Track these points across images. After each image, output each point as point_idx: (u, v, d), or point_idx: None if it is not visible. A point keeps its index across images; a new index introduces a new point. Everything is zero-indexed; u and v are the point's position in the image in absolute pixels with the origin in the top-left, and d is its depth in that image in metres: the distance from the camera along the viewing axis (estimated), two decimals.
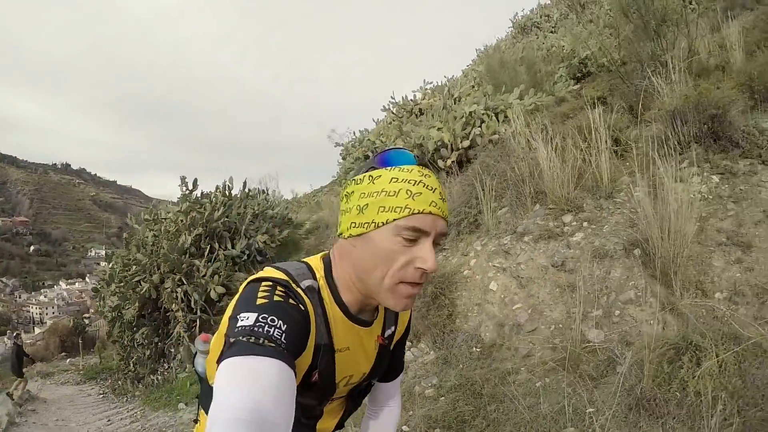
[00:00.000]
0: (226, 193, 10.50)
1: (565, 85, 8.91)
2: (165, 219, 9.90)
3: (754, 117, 5.06)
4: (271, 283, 0.97)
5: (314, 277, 1.07)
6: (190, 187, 9.88)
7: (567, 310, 3.76)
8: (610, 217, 4.40)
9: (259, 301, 0.91)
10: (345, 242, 1.04)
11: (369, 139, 12.73)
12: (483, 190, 5.30)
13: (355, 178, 1.02)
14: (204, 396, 1.23)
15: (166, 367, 9.55)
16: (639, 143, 5.10)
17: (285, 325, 0.87)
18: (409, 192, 0.95)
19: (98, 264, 11.91)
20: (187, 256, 8.99)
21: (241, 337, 0.82)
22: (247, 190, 11.08)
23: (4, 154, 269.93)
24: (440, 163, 7.72)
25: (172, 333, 9.13)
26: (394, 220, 0.94)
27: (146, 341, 9.65)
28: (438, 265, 1.07)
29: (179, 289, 8.72)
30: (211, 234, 9.34)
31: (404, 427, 3.45)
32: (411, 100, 12.10)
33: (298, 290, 1.00)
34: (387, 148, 1.06)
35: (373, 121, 14.17)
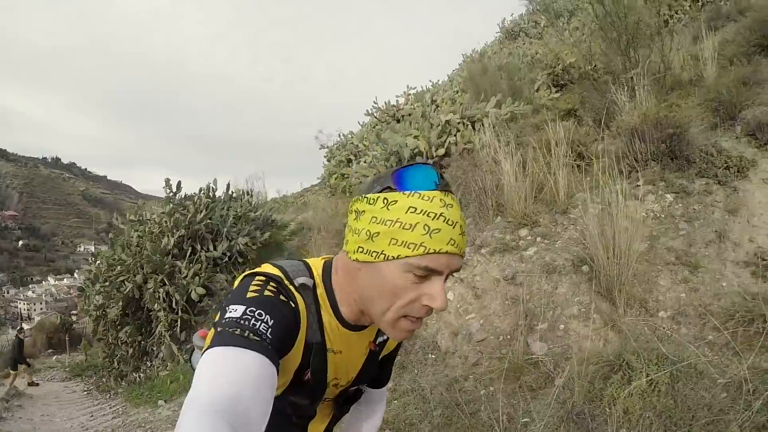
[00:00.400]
0: (210, 194, 10.67)
1: (545, 93, 9.03)
2: (149, 220, 10.03)
3: (716, 135, 5.09)
4: (264, 278, 0.97)
5: (311, 275, 1.06)
6: (174, 189, 10.06)
7: (515, 322, 3.85)
8: (564, 232, 4.50)
9: (249, 295, 0.91)
10: (351, 262, 0.99)
11: (352, 143, 12.90)
12: None
13: (368, 196, 0.95)
14: None
15: (149, 365, 9.66)
16: (600, 159, 5.11)
17: (272, 320, 0.87)
18: (426, 228, 0.88)
19: (87, 260, 12.18)
20: (170, 257, 9.12)
21: (226, 328, 0.83)
22: (230, 192, 11.22)
23: None
24: None
25: (154, 332, 9.26)
26: (407, 256, 0.89)
27: (130, 340, 9.75)
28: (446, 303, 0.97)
29: (161, 290, 8.85)
30: (194, 236, 9.47)
31: None
32: (393, 105, 12.28)
33: (290, 287, 1.00)
34: (406, 163, 0.99)
35: (359, 123, 14.34)
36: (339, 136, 14.47)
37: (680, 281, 3.82)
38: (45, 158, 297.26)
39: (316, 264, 1.10)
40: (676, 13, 10.81)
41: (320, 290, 1.05)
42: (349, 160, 12.08)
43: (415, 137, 8.01)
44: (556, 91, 9.00)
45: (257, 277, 0.97)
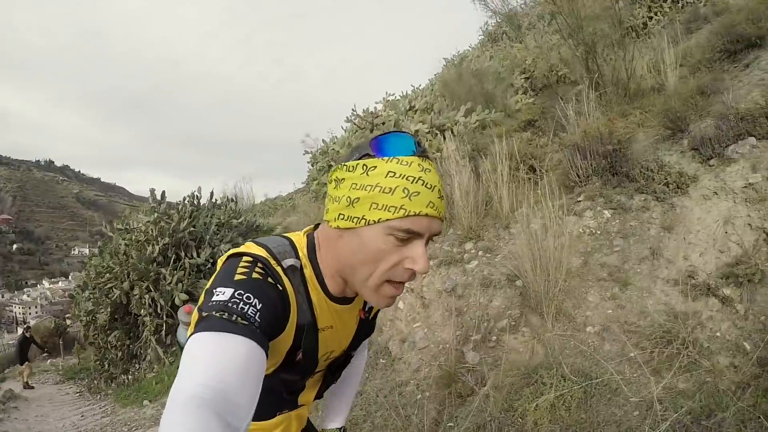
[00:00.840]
0: (195, 202, 10.99)
1: (521, 98, 9.10)
2: (135, 228, 10.30)
3: (663, 149, 5.00)
4: (251, 259, 0.95)
5: (297, 256, 1.05)
6: (159, 199, 10.43)
7: (453, 332, 3.97)
8: (505, 247, 4.54)
9: (237, 277, 0.89)
10: (331, 230, 1.00)
11: (333, 149, 13.18)
12: None
13: (347, 164, 0.96)
14: None
15: (137, 367, 9.96)
16: (547, 173, 5.27)
17: (261, 304, 0.86)
18: (406, 191, 0.90)
19: (83, 263, 12.65)
20: (155, 264, 9.42)
21: (214, 312, 0.81)
22: (214, 200, 11.55)
23: None
24: None
25: (141, 336, 9.58)
26: (387, 220, 0.90)
27: (119, 343, 10.09)
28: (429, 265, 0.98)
29: (147, 296, 9.16)
30: (178, 243, 9.77)
31: None
32: (371, 112, 12.55)
33: (278, 269, 0.98)
34: (384, 131, 1.01)
35: (342, 129, 14.58)
36: (322, 141, 14.74)
37: (609, 298, 3.85)
38: (38, 161, 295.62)
39: (300, 241, 1.09)
40: (656, 15, 10.77)
41: (307, 270, 1.05)
42: (330, 166, 12.35)
43: None
44: (534, 96, 9.13)
45: (244, 258, 0.95)
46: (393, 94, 13.43)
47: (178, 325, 1.30)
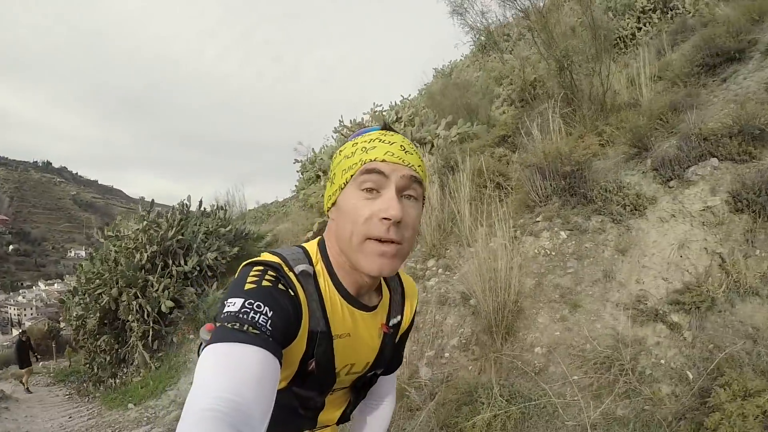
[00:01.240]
0: (184, 210, 11.13)
1: (505, 110, 9.19)
2: (126, 236, 10.47)
3: (626, 169, 4.97)
4: (262, 268, 0.95)
5: (310, 262, 1.05)
6: (149, 207, 10.72)
7: (409, 347, 3.97)
8: (464, 265, 4.42)
9: (247, 287, 0.89)
10: (330, 219, 1.06)
11: (321, 158, 13.42)
12: None
13: (332, 158, 1.05)
14: None
15: (125, 371, 10.11)
16: (513, 191, 5.33)
17: (271, 312, 0.86)
18: (363, 149, 0.97)
19: (79, 265, 12.86)
20: (143, 272, 9.57)
21: (225, 323, 0.82)
22: (202, 208, 11.72)
23: None
24: None
25: (129, 341, 9.74)
26: (351, 176, 0.97)
27: (107, 348, 10.22)
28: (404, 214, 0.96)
29: (134, 302, 9.30)
30: (166, 251, 9.91)
31: None
32: (358, 123, 12.80)
33: (290, 275, 0.98)
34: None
35: (332, 137, 14.80)
36: (312, 150, 14.99)
37: (558, 320, 3.84)
38: (36, 162, 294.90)
39: (312, 247, 1.10)
40: (645, 26, 10.69)
41: (321, 272, 1.06)
42: (318, 176, 12.58)
43: None
44: (517, 108, 9.00)
45: (255, 267, 0.96)
46: (380, 105, 13.49)
47: (201, 344, 1.25)
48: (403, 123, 10.16)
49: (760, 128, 4.34)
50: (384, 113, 12.90)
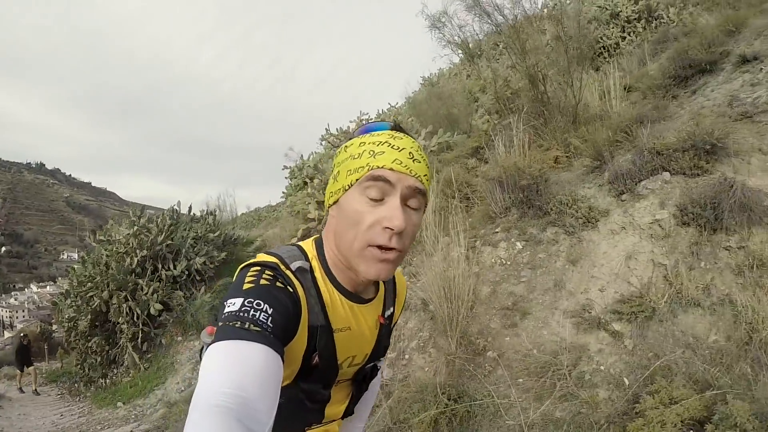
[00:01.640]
0: (174, 216, 11.40)
1: (488, 119, 9.16)
2: (117, 240, 10.72)
3: (587, 181, 5.09)
4: (259, 268, 0.96)
5: (306, 259, 1.06)
6: (139, 213, 11.05)
7: None
8: (428, 272, 4.46)
9: (246, 287, 0.90)
10: (329, 217, 1.06)
11: (309, 166, 13.69)
12: None
13: (336, 152, 1.03)
14: None
15: (115, 372, 10.34)
16: (478, 202, 5.48)
17: (271, 309, 0.87)
18: (371, 153, 0.94)
19: (72, 268, 13.06)
20: (133, 276, 9.82)
21: (227, 323, 0.83)
22: (192, 213, 11.99)
23: None
24: None
25: (119, 342, 10.00)
26: (357, 179, 0.95)
27: (98, 349, 10.45)
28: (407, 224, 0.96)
29: (125, 305, 9.56)
30: (155, 256, 10.17)
31: None
32: (344, 131, 12.88)
33: (287, 272, 0.99)
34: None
35: (321, 144, 15.02)
36: (300, 157, 15.27)
37: (509, 326, 4.01)
38: (29, 163, 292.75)
39: (308, 246, 1.11)
40: (629, 35, 10.72)
41: (318, 270, 1.06)
42: (305, 183, 12.85)
43: None
44: (498, 117, 8.89)
45: (252, 268, 0.97)
46: (367, 113, 13.42)
47: (203, 347, 1.25)
48: None
49: (711, 143, 4.44)
50: (370, 120, 13.04)
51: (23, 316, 77.20)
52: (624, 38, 10.79)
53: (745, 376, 2.94)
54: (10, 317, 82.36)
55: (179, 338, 9.54)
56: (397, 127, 1.01)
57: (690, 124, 4.91)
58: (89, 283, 10.28)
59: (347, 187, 0.97)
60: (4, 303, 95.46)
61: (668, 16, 10.20)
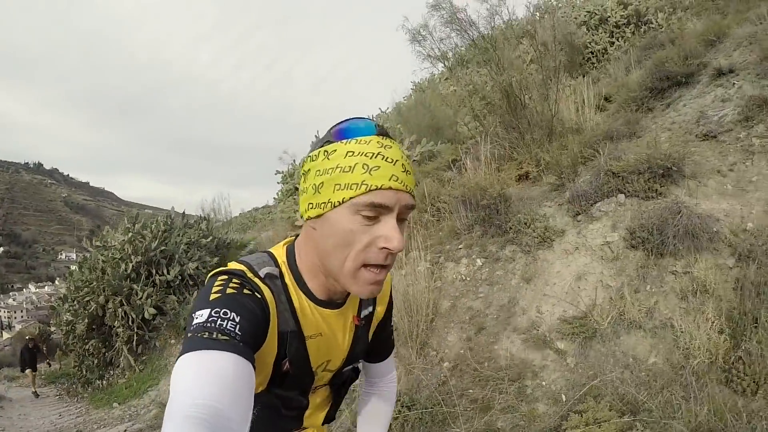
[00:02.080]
0: (168, 222, 11.66)
1: (467, 127, 9.05)
2: (112, 246, 11.04)
3: (549, 200, 5.13)
4: (226, 276, 0.94)
5: (276, 264, 1.03)
6: (134, 221, 11.29)
7: None
8: (397, 285, 4.55)
9: (212, 297, 0.88)
10: (306, 227, 0.99)
11: (300, 172, 13.85)
12: None
13: (311, 154, 0.95)
14: None
15: (111, 373, 10.70)
16: (446, 218, 5.57)
17: (239, 317, 0.85)
18: (365, 166, 0.87)
19: (68, 267, 13.29)
20: (128, 281, 10.14)
21: (195, 334, 0.81)
22: (185, 220, 12.30)
23: None
24: None
25: (115, 345, 10.35)
26: (351, 198, 0.87)
27: (95, 351, 10.78)
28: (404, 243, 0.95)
29: (120, 309, 9.91)
30: (150, 261, 10.48)
31: None
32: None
33: (255, 279, 0.96)
34: (345, 118, 0.98)
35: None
36: (292, 162, 15.51)
37: (465, 339, 4.15)
38: (27, 163, 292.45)
39: (279, 251, 1.07)
40: (617, 41, 10.52)
41: (287, 276, 1.03)
42: (296, 189, 12.94)
43: None
44: (479, 130, 8.67)
45: (219, 277, 0.94)
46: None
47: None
48: None
49: (666, 166, 4.44)
50: None
51: (21, 317, 77.21)
52: (612, 44, 10.60)
53: (671, 402, 3.01)
54: (8, 318, 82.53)
55: (172, 341, 9.90)
56: (382, 131, 0.93)
57: (649, 144, 4.91)
58: (86, 288, 10.59)
59: (336, 204, 0.89)
60: (2, 303, 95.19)
61: (657, 21, 9.96)
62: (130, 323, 10.03)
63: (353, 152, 0.88)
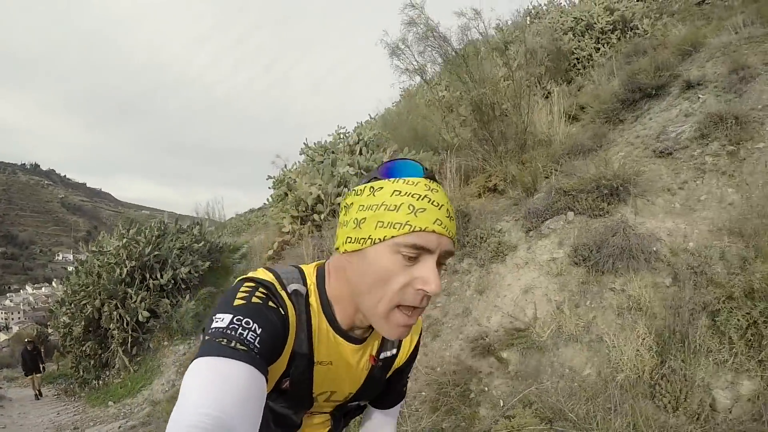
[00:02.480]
0: (161, 227, 12.05)
1: (448, 137, 8.92)
2: (108, 251, 11.43)
3: (509, 215, 5.29)
4: (253, 284, 0.93)
5: (304, 283, 1.02)
6: (128, 227, 11.66)
7: None
8: None
9: (237, 303, 0.87)
10: (341, 257, 0.97)
11: (290, 177, 14.18)
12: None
13: (356, 188, 0.94)
14: None
15: (107, 374, 11.13)
16: None
17: (260, 329, 0.84)
18: (411, 207, 0.86)
19: (65, 268, 13.65)
20: (123, 285, 10.56)
21: (213, 338, 0.80)
22: (178, 225, 12.64)
23: None
24: (316, 217, 8.54)
25: (111, 347, 10.78)
26: (393, 237, 0.86)
27: (92, 353, 11.16)
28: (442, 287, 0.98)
29: (115, 312, 10.34)
30: (144, 266, 10.88)
31: None
32: (322, 145, 12.80)
33: (282, 293, 0.95)
34: (393, 158, 0.97)
35: (302, 153, 15.30)
36: (284, 167, 15.68)
37: (422, 345, 4.03)
38: (24, 164, 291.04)
39: (309, 270, 1.05)
40: (603, 47, 10.51)
41: (313, 297, 1.01)
42: (285, 194, 13.23)
43: (319, 186, 8.69)
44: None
45: (246, 283, 0.93)
46: (344, 127, 13.45)
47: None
48: (359, 148, 10.66)
49: (613, 186, 4.59)
50: (348, 134, 12.95)
51: (19, 318, 77.33)
52: (598, 50, 10.53)
53: (592, 413, 3.16)
54: (5, 319, 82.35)
55: (165, 343, 10.35)
56: (430, 174, 0.93)
57: (598, 164, 5.06)
58: (83, 292, 11.01)
59: (377, 241, 0.87)
60: None
61: (643, 27, 10.01)
62: (125, 326, 10.48)
63: (400, 192, 0.88)
